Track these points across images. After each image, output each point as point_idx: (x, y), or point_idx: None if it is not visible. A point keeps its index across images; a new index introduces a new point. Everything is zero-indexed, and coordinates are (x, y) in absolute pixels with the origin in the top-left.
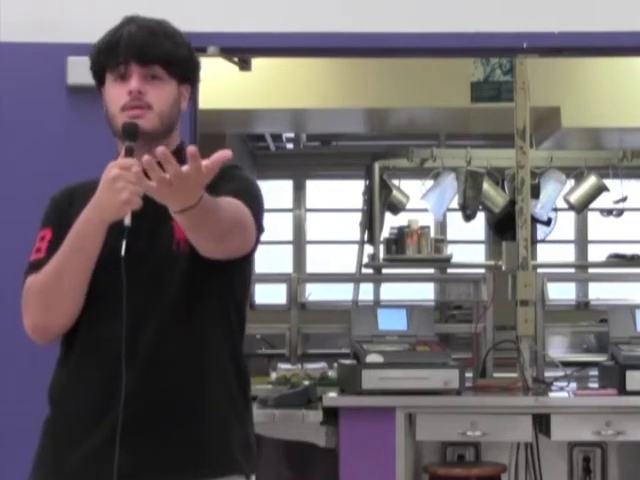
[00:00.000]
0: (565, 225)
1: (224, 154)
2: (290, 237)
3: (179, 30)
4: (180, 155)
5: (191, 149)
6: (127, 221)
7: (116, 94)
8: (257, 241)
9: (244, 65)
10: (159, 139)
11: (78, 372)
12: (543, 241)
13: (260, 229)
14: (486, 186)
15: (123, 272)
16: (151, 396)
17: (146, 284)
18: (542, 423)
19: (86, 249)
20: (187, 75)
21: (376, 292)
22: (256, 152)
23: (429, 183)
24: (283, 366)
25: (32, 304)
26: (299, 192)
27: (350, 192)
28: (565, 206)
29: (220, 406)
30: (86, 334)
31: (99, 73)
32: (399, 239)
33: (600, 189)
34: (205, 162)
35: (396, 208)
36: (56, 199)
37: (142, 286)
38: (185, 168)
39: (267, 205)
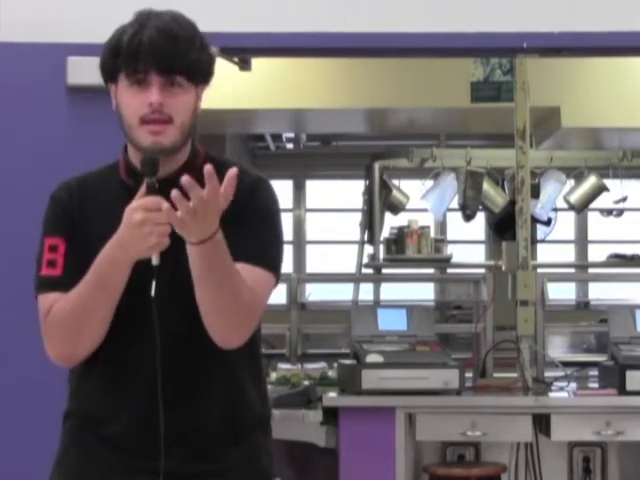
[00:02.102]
0: (565, 225)
1: (232, 174)
2: (290, 237)
3: (195, 26)
4: (190, 166)
5: (207, 169)
6: (155, 261)
7: (134, 103)
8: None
9: (244, 65)
10: (178, 150)
11: (106, 391)
12: (543, 241)
13: (278, 279)
14: (486, 186)
15: (154, 313)
16: (183, 423)
17: (175, 317)
18: (542, 423)
19: (111, 287)
20: (206, 78)
21: (376, 292)
22: (256, 152)
23: (429, 183)
24: (283, 366)
25: (55, 335)
26: (299, 192)
27: (350, 192)
28: (565, 206)
29: (249, 422)
30: (114, 357)
31: (112, 73)
32: (399, 239)
33: (600, 189)
34: (221, 189)
35: (396, 208)
36: (62, 200)
37: (172, 319)
38: (205, 192)
39: None
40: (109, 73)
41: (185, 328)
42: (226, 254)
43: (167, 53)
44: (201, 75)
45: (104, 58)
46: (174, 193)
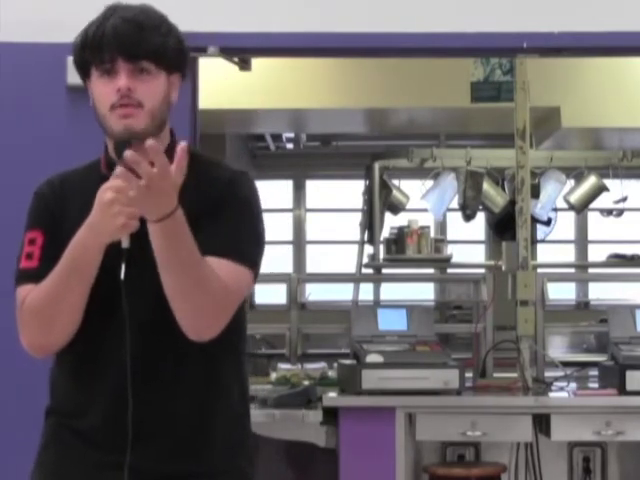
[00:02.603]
0: (565, 225)
1: (182, 147)
2: (290, 237)
3: (164, 16)
4: (170, 158)
5: (150, 144)
6: (125, 243)
7: (104, 92)
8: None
9: (244, 65)
10: (153, 136)
11: (80, 383)
12: (543, 241)
13: (257, 273)
14: (486, 186)
15: (123, 296)
16: (156, 414)
17: (147, 304)
18: (542, 423)
19: (83, 271)
20: (176, 65)
21: (376, 292)
22: (256, 152)
23: (429, 183)
24: (283, 366)
25: (28, 324)
26: (299, 192)
27: (350, 192)
28: (565, 206)
29: (226, 420)
30: (86, 348)
31: (84, 67)
32: (399, 239)
33: (600, 189)
34: (172, 166)
35: (396, 208)
36: (43, 195)
37: (143, 305)
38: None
39: (267, 205)
40: (82, 68)
41: (160, 317)
42: (188, 235)
43: (130, 39)
44: (169, 60)
45: (75, 52)
46: (118, 170)
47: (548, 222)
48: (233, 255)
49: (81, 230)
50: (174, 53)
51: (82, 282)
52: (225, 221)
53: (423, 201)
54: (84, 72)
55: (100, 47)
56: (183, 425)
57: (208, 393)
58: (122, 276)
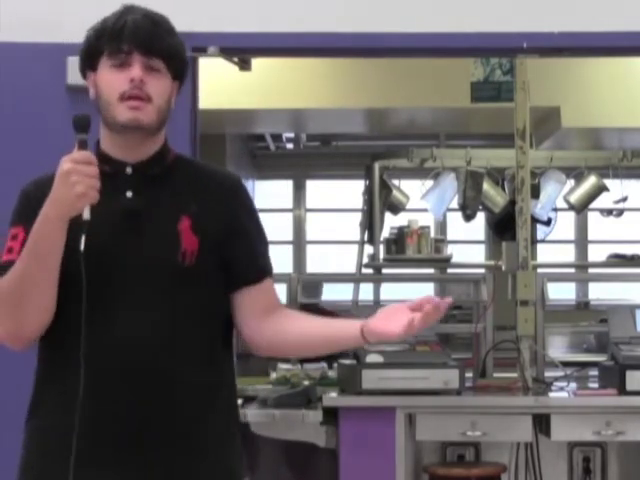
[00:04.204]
0: (565, 225)
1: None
2: (290, 237)
3: (173, 25)
4: (162, 157)
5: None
6: (86, 215)
7: (114, 81)
8: None
9: (244, 65)
10: (153, 134)
11: (59, 382)
12: (543, 241)
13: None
14: (486, 186)
15: (82, 269)
16: (147, 411)
17: (143, 293)
18: (542, 423)
19: (46, 249)
20: (180, 72)
21: (376, 292)
22: (256, 152)
23: (429, 183)
24: (283, 366)
25: (1, 312)
26: (299, 192)
27: (350, 192)
28: (565, 206)
29: (221, 419)
30: (63, 342)
31: (93, 57)
32: (399, 239)
33: (600, 189)
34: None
35: (396, 208)
36: (28, 194)
37: (140, 294)
38: None
39: (267, 205)
40: (91, 58)
41: (151, 315)
42: None
43: (150, 35)
44: (177, 64)
45: (88, 41)
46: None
47: (548, 222)
48: (267, 273)
49: (44, 206)
50: (182, 59)
51: (46, 261)
52: (247, 239)
53: (423, 201)
54: (92, 62)
55: (120, 37)
56: (182, 421)
57: (208, 391)
58: (82, 247)
